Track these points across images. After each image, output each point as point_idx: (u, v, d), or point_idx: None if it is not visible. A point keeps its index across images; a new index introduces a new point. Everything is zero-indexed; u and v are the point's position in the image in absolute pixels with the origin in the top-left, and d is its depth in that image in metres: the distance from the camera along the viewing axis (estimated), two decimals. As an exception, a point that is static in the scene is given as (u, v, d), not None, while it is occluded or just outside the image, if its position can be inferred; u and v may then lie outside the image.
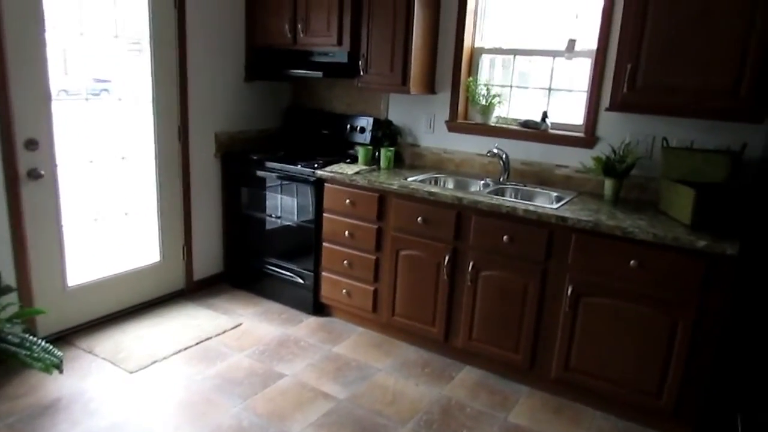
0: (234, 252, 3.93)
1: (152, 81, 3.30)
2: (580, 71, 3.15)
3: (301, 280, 3.59)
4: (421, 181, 3.26)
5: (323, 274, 3.49)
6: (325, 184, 3.35)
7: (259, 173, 3.64)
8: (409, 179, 3.22)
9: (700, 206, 2.44)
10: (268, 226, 3.71)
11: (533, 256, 2.72)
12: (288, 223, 3.59)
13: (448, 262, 2.96)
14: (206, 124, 3.66)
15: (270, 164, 3.58)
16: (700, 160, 2.53)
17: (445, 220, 2.94)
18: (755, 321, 2.34)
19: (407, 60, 3.27)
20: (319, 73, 3.39)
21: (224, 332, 3.31)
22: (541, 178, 3.28)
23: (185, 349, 3.10)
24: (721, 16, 2.38)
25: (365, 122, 3.79)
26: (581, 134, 3.14)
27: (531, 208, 2.69)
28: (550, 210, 2.66)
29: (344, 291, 3.40)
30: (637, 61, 2.59)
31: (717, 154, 2.50)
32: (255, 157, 3.66)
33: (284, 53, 3.69)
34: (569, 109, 3.25)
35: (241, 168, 3.74)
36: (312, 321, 3.54)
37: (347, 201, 3.26)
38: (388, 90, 3.48)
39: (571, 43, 3.05)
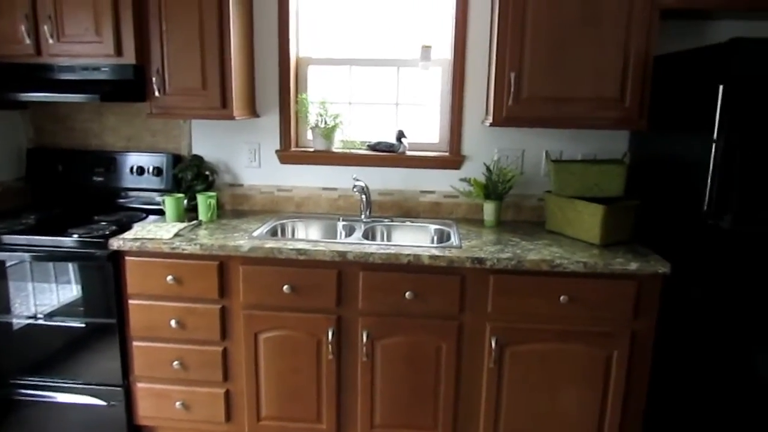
0: (-33, 381, 2.49)
1: None
2: (435, 83, 2.74)
3: (101, 402, 2.41)
4: (267, 231, 2.46)
5: (138, 385, 2.40)
6: (127, 258, 2.27)
7: None
8: (255, 233, 2.38)
9: (609, 223, 2.25)
10: (26, 333, 2.41)
11: (445, 310, 2.19)
12: (64, 323, 2.36)
13: (332, 336, 2.24)
14: None
15: (15, 239, 2.31)
16: (597, 174, 2.33)
17: (323, 283, 2.21)
18: (681, 339, 2.23)
19: (225, 73, 2.42)
20: (96, 96, 2.26)
21: None
22: (405, 208, 2.79)
23: None
24: (601, 22, 2.21)
25: (160, 161, 2.78)
26: (446, 154, 2.74)
27: (437, 252, 2.15)
28: (457, 251, 2.17)
29: (178, 403, 2.38)
30: (521, 69, 2.28)
31: (612, 165, 2.34)
32: (-11, 231, 2.34)
33: (21, 69, 2.42)
34: (425, 127, 2.82)
35: (-37, 250, 2.35)
36: (129, 457, 2.41)
37: (169, 278, 2.26)
38: (202, 115, 2.52)
39: (426, 50, 2.61)
